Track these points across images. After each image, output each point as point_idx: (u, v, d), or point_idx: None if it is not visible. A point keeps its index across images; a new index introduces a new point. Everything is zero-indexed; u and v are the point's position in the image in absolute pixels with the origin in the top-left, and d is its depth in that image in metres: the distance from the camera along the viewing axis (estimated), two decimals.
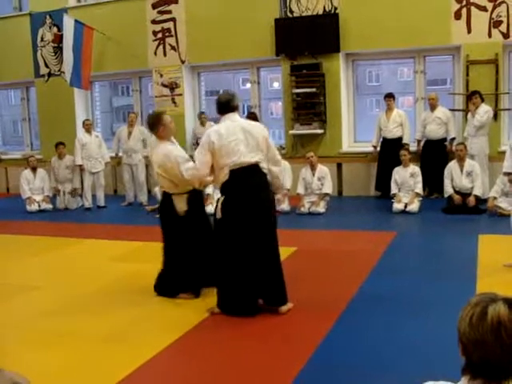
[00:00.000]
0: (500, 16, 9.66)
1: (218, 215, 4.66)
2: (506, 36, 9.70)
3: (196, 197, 5.30)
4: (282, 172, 5.10)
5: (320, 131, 10.86)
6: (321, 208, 9.21)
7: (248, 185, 4.63)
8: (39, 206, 10.79)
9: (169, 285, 5.30)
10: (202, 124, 11.58)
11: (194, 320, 4.64)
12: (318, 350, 3.95)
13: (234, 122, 4.74)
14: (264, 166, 4.73)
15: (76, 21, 11.63)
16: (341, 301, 4.95)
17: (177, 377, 3.80)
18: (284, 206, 9.35)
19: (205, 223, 5.40)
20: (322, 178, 9.39)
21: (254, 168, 4.66)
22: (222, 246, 4.71)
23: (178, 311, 4.97)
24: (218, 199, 4.73)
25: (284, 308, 4.70)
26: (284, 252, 6.59)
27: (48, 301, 5.38)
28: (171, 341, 4.23)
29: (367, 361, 3.78)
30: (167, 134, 5.28)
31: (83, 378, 3.71)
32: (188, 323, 4.57)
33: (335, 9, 10.60)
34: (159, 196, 9.57)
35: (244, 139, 4.63)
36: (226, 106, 4.82)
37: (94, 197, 10.98)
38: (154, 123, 5.26)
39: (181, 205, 5.16)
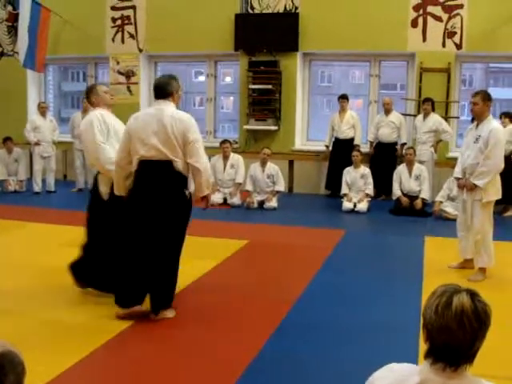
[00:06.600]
0: (454, 27, 9.99)
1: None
2: (458, 47, 10.04)
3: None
4: (203, 171, 4.31)
5: (274, 128, 11.00)
6: (273, 203, 9.31)
7: (151, 181, 4.31)
8: None
9: (86, 273, 4.87)
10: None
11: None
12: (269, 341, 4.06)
13: (157, 110, 4.37)
14: (179, 165, 4.27)
15: (33, 1, 11.39)
16: (290, 294, 5.05)
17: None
18: (235, 199, 9.47)
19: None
20: (272, 176, 9.46)
21: (166, 164, 4.27)
22: (122, 232, 4.45)
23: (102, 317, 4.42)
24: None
25: (160, 315, 4.33)
26: (235, 244, 6.78)
27: None
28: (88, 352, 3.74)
29: (312, 355, 3.91)
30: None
31: None
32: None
33: (296, 8, 10.74)
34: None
35: (157, 131, 4.25)
36: (159, 90, 4.47)
37: (43, 181, 10.82)
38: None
39: (105, 187, 4.79)
